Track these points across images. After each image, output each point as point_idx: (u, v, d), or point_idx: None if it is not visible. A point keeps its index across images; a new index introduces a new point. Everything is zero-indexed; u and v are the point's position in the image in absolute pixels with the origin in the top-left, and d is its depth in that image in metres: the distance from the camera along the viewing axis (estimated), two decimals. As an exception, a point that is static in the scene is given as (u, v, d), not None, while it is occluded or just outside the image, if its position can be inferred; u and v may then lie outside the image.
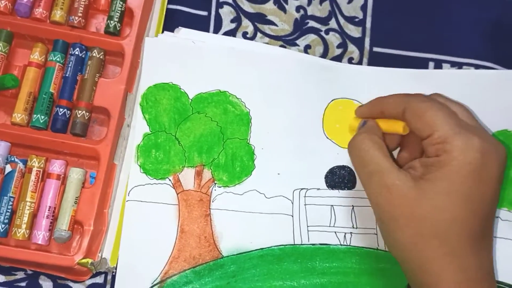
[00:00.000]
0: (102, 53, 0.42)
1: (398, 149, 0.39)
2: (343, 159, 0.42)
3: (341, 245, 0.40)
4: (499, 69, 0.45)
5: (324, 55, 0.45)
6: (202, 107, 0.42)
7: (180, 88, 0.42)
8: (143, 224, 0.39)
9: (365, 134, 0.35)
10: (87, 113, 0.40)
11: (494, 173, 0.32)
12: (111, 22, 0.42)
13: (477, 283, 0.31)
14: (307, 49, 0.45)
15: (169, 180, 0.41)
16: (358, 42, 0.46)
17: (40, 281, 0.39)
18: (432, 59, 0.45)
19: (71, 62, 0.41)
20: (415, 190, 0.32)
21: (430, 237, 0.31)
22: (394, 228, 0.32)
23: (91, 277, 0.39)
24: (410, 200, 0.32)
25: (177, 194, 0.40)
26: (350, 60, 0.45)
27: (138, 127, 0.41)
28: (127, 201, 0.40)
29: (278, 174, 0.42)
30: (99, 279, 0.40)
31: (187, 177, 0.41)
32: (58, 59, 0.41)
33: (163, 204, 0.40)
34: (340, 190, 0.42)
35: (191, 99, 0.42)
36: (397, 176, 0.32)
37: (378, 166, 0.33)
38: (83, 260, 0.37)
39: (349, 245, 0.41)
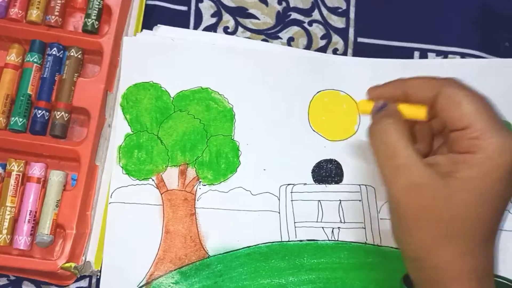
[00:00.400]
0: (80, 52, 0.41)
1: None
2: (330, 152, 0.42)
3: (329, 240, 0.40)
4: (485, 56, 0.44)
5: (308, 47, 0.45)
6: (184, 105, 0.41)
7: (161, 87, 0.42)
8: (127, 226, 0.39)
9: (392, 120, 0.31)
10: (67, 114, 0.40)
11: None
12: (89, 20, 0.41)
13: (483, 280, 0.30)
14: (290, 41, 0.44)
15: (153, 180, 0.40)
16: (342, 33, 0.45)
17: (24, 287, 0.39)
18: (417, 49, 0.45)
19: (48, 63, 0.40)
20: (445, 190, 0.29)
21: (453, 238, 0.29)
22: (417, 228, 0.30)
23: (75, 281, 0.39)
24: (440, 200, 0.29)
25: (161, 194, 0.40)
26: (334, 51, 0.45)
27: (119, 128, 0.41)
28: (109, 203, 0.39)
29: (264, 170, 0.41)
30: (84, 283, 0.39)
31: (171, 176, 0.40)
32: (35, 60, 0.40)
33: (147, 205, 0.40)
34: (327, 185, 0.41)
35: (173, 97, 0.41)
36: (428, 173, 0.29)
37: (408, 160, 0.29)
38: (67, 264, 0.37)
39: (337, 240, 0.40)
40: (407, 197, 0.30)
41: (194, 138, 0.41)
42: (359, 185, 0.41)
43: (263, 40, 0.44)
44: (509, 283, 0.36)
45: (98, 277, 0.39)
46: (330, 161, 0.42)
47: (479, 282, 0.30)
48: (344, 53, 0.45)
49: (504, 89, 0.42)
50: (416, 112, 0.32)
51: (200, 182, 0.40)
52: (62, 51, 0.41)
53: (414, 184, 0.29)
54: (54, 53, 0.40)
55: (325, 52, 0.44)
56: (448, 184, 0.29)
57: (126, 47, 0.42)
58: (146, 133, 0.41)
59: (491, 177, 0.29)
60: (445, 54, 0.44)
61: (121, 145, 0.40)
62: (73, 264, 0.37)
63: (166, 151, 0.41)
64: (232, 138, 0.41)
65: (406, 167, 0.29)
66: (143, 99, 0.41)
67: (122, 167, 0.40)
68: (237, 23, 0.44)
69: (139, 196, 0.40)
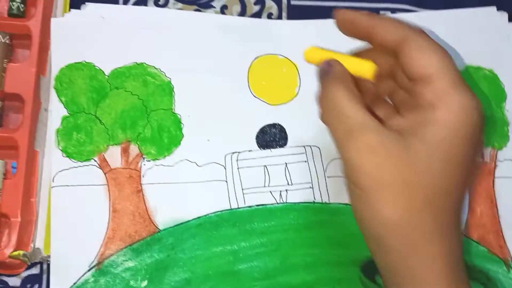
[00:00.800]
0: (8, 37, 0.39)
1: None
2: (273, 117, 0.42)
3: (277, 203, 0.41)
4: (416, 10, 0.44)
5: (242, 13, 0.44)
6: (120, 82, 0.41)
7: (94, 66, 0.41)
8: (73, 208, 0.39)
9: (339, 83, 0.28)
10: (0, 102, 0.39)
11: (482, 134, 0.28)
12: (14, 3, 0.40)
13: (457, 261, 0.28)
14: (223, 9, 0.44)
15: (95, 160, 0.40)
16: (276, -3, 0.45)
17: None
18: (349, 7, 0.44)
19: None
20: (408, 152, 0.26)
21: (424, 210, 0.26)
22: (381, 200, 0.26)
23: (26, 269, 0.39)
24: (402, 163, 0.26)
25: (105, 174, 0.40)
26: (269, 16, 0.44)
27: (55, 111, 0.40)
28: (52, 187, 0.39)
29: (208, 140, 0.41)
30: (35, 270, 0.39)
31: (113, 155, 0.40)
32: None
33: (91, 186, 0.39)
34: (272, 149, 0.41)
35: (108, 75, 0.41)
36: (386, 135, 0.27)
37: (359, 121, 0.27)
38: (15, 253, 0.36)
39: (286, 202, 0.41)
40: (364, 164, 0.27)
41: (133, 115, 0.41)
42: (304, 146, 0.42)
43: (196, 10, 0.44)
44: (480, 273, 0.37)
45: (49, 262, 0.38)
46: (274, 125, 0.42)
47: (454, 264, 0.27)
48: (279, 17, 0.44)
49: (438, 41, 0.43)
50: (361, 68, 0.30)
51: (144, 158, 0.40)
52: None
53: (371, 147, 0.26)
54: None
55: (259, 17, 0.44)
56: (410, 146, 0.26)
57: (55, 28, 0.40)
58: (84, 113, 0.40)
59: (456, 137, 0.26)
60: (376, 11, 0.45)
61: (58, 128, 0.40)
62: (21, 252, 0.37)
63: (106, 130, 0.40)
64: (173, 111, 0.41)
65: (358, 131, 0.27)
66: (77, 80, 0.40)
67: (61, 150, 0.39)
68: (168, -6, 0.44)
69: (82, 177, 0.39)
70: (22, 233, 0.37)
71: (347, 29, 0.31)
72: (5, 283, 0.39)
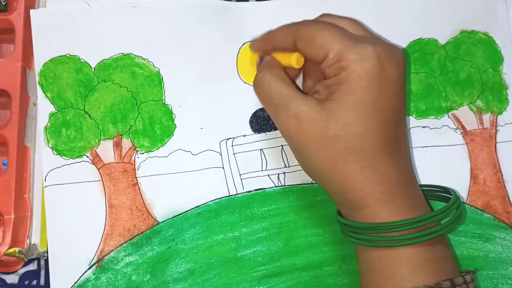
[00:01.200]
0: (-10, 32, 0.39)
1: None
2: (266, 100, 0.41)
3: (276, 186, 0.40)
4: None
5: (230, -4, 0.43)
6: (108, 74, 0.40)
7: (79, 59, 0.40)
8: (68, 207, 0.38)
9: (266, 69, 0.35)
10: (-14, 99, 0.38)
11: (395, 77, 0.32)
12: None
13: (400, 189, 0.32)
14: (210, -7, 0.43)
15: (87, 156, 0.39)
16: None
17: None
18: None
19: None
20: (323, 112, 0.31)
21: (346, 155, 0.31)
22: (310, 154, 0.32)
23: (23, 266, 0.38)
24: (319, 123, 0.31)
25: (98, 169, 0.39)
26: (256, -2, 0.43)
27: (41, 108, 0.39)
28: (45, 187, 0.38)
29: (201, 128, 0.40)
30: (33, 266, 0.39)
31: (106, 150, 0.39)
32: None
33: (85, 183, 0.38)
34: (267, 133, 0.41)
35: (94, 68, 0.40)
36: (303, 103, 0.32)
37: (282, 97, 0.33)
38: (10, 250, 0.36)
39: (284, 185, 0.40)
40: (291, 129, 0.32)
41: (124, 108, 0.40)
42: (299, 127, 0.41)
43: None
44: (437, 189, 0.37)
45: (46, 258, 0.38)
46: (267, 108, 0.41)
47: (395, 192, 0.31)
48: (266, -2, 0.43)
49: (430, 3, 0.42)
50: (287, 60, 0.35)
51: (137, 151, 0.39)
52: None
53: (292, 115, 0.32)
54: None
55: (247, 0, 0.43)
56: (324, 107, 0.31)
57: (35, 21, 0.39)
58: (72, 109, 0.39)
59: (360, 88, 0.31)
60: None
61: (46, 126, 0.39)
62: (17, 249, 0.36)
63: (96, 124, 0.39)
64: (164, 102, 0.40)
65: (282, 104, 0.32)
66: (62, 74, 0.39)
67: (51, 148, 0.38)
68: (152, -20, 0.43)
69: (75, 174, 0.38)
70: (17, 230, 0.37)
71: (261, 52, 0.38)
72: (3, 280, 0.38)
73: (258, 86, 0.35)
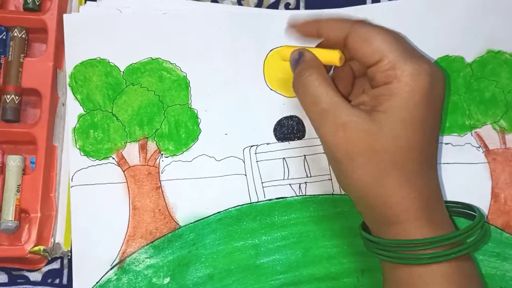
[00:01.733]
0: (24, 31, 0.39)
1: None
2: (290, 109, 0.42)
3: (297, 196, 0.40)
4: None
5: (259, 4, 0.43)
6: (136, 78, 0.40)
7: (109, 62, 0.40)
8: (93, 207, 0.38)
9: (311, 69, 0.32)
10: (17, 97, 0.39)
11: (441, 96, 0.32)
12: None
13: (433, 206, 0.32)
14: (241, 0, 0.43)
15: (113, 158, 0.39)
16: (293, -14, 0.44)
17: None
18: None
19: None
20: (373, 124, 0.30)
21: (391, 169, 0.30)
22: (354, 167, 0.31)
23: (47, 264, 0.39)
24: (368, 135, 0.30)
25: (124, 171, 0.39)
26: (287, 6, 0.44)
27: (71, 109, 0.40)
28: (71, 187, 0.38)
29: (226, 134, 0.41)
30: (56, 265, 0.39)
31: (131, 152, 0.40)
32: None
33: (110, 184, 0.39)
34: (290, 142, 0.41)
35: (123, 72, 0.40)
36: (352, 112, 0.31)
37: (331, 103, 0.31)
38: (35, 248, 0.37)
39: (305, 195, 0.40)
40: (336, 139, 0.31)
41: (150, 111, 0.40)
42: (322, 138, 0.41)
43: (213, 1, 0.43)
44: (460, 206, 0.37)
45: (69, 257, 0.38)
46: (291, 117, 0.42)
47: (429, 210, 0.31)
48: (297, 7, 0.44)
49: (459, 21, 0.42)
50: (330, 57, 0.33)
51: (162, 154, 0.40)
52: (4, 33, 0.39)
53: (340, 124, 0.31)
54: None
55: (277, 8, 0.43)
56: (373, 118, 0.30)
57: (68, 24, 0.40)
58: (100, 111, 0.40)
59: (412, 103, 0.30)
60: (398, -1, 0.44)
61: (75, 127, 0.39)
62: (42, 247, 0.37)
63: (123, 127, 0.40)
64: (190, 106, 0.41)
65: (329, 110, 0.31)
66: (92, 77, 0.40)
67: (79, 148, 0.39)
68: (185, -14, 0.43)
69: (101, 176, 0.39)
70: (42, 228, 0.38)
71: (302, 32, 0.35)
72: (26, 278, 0.39)
73: (302, 87, 0.33)
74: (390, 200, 0.31)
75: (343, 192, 0.41)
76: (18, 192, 0.37)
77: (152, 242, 0.38)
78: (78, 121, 0.39)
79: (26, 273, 0.39)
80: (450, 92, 0.42)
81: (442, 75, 0.33)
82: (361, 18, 0.35)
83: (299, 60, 0.34)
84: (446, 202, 0.37)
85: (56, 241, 0.38)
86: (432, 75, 0.31)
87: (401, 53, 0.31)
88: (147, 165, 0.40)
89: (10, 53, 0.39)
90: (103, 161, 0.39)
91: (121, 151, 0.39)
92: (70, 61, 0.40)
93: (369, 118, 0.31)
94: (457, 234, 0.31)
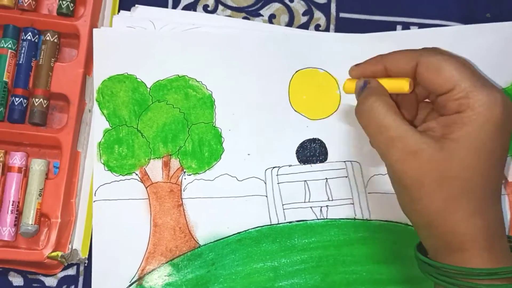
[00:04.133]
0: (56, 36, 0.40)
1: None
2: (313, 132, 0.42)
3: (318, 219, 0.40)
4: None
5: (289, 23, 0.44)
6: (162, 95, 0.41)
7: (136, 78, 0.41)
8: (114, 223, 0.39)
9: (376, 96, 0.32)
10: (45, 101, 0.39)
11: (511, 126, 0.31)
12: (64, 2, 0.40)
13: (498, 237, 0.31)
14: (271, 19, 0.44)
15: (136, 174, 0.39)
16: (324, 8, 0.44)
17: (10, 278, 0.39)
18: (399, 22, 0.44)
19: (23, 48, 0.39)
20: (443, 152, 0.30)
21: (460, 198, 0.30)
22: (423, 195, 0.30)
23: (62, 270, 0.39)
24: (439, 163, 0.30)
25: (146, 187, 0.39)
26: (317, 28, 0.44)
27: (96, 124, 0.40)
28: (94, 201, 0.39)
29: (248, 154, 0.41)
30: (71, 271, 0.39)
31: (155, 169, 0.40)
32: (9, 46, 0.39)
33: (132, 200, 0.39)
34: (312, 164, 0.41)
35: (150, 88, 0.41)
36: (422, 140, 0.30)
37: (399, 130, 0.31)
38: (53, 254, 0.37)
39: (326, 218, 0.40)
40: (405, 166, 0.30)
41: (175, 128, 0.40)
42: (344, 161, 0.41)
43: (244, 18, 0.43)
44: None
45: (85, 264, 0.39)
46: (314, 140, 0.41)
47: (493, 241, 0.31)
48: (327, 29, 0.44)
49: (483, 53, 0.42)
50: (399, 85, 0.33)
51: (184, 172, 0.40)
52: (37, 36, 0.40)
53: (410, 152, 0.30)
54: (29, 38, 0.39)
55: (307, 29, 0.44)
56: (443, 147, 0.30)
57: (97, 39, 0.40)
58: (125, 126, 0.40)
59: (484, 132, 0.30)
60: (427, 27, 0.44)
61: (100, 142, 0.40)
62: (60, 253, 0.37)
63: (148, 143, 0.40)
64: (214, 125, 0.41)
65: (398, 138, 0.30)
66: (119, 92, 0.40)
67: (103, 163, 0.39)
68: (217, 1, 0.43)
69: (124, 191, 0.39)
70: (61, 234, 0.38)
71: (368, 77, 0.35)
72: (42, 282, 0.39)
73: (367, 114, 0.32)
74: (458, 228, 0.30)
75: (365, 217, 0.40)
76: (40, 196, 0.37)
77: (171, 260, 0.38)
78: (103, 135, 0.40)
79: (42, 278, 0.39)
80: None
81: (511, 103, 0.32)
82: (430, 46, 0.34)
83: (363, 87, 0.34)
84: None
85: (73, 247, 0.38)
86: (504, 104, 0.30)
87: (473, 82, 0.30)
88: (170, 182, 0.40)
89: (41, 57, 0.39)
90: (126, 177, 0.39)
91: (145, 167, 0.40)
92: (98, 76, 0.40)
93: (439, 146, 0.30)
94: None
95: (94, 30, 0.40)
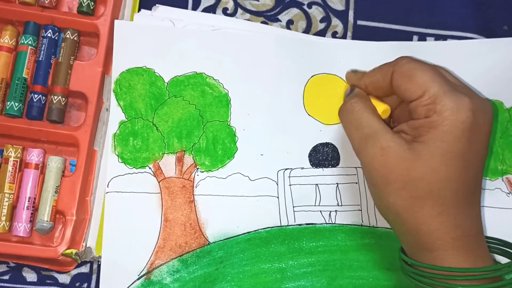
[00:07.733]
0: (76, 34, 0.40)
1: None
2: (326, 136, 0.42)
3: (326, 223, 0.40)
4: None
5: (307, 30, 0.44)
6: (179, 90, 0.41)
7: (154, 72, 0.40)
8: (125, 215, 0.38)
9: (357, 98, 0.35)
10: (63, 98, 0.39)
11: (485, 130, 0.32)
12: (84, 0, 0.40)
13: (471, 238, 0.32)
14: (289, 24, 0.44)
15: (149, 168, 0.39)
16: (342, 16, 0.44)
17: (24, 273, 0.38)
18: (416, 33, 0.44)
19: (43, 45, 0.39)
20: (411, 152, 0.31)
21: (425, 198, 0.31)
22: (389, 192, 0.32)
23: (76, 267, 0.39)
24: (406, 162, 0.31)
25: (159, 182, 0.39)
26: (334, 35, 0.44)
27: (112, 115, 0.40)
28: (106, 192, 0.38)
29: (261, 155, 0.41)
30: (85, 269, 0.39)
31: (168, 164, 0.40)
32: (30, 42, 0.39)
33: (144, 194, 0.39)
34: (324, 168, 0.41)
35: (167, 83, 0.41)
36: (392, 139, 0.32)
37: (372, 128, 0.33)
38: (67, 251, 0.37)
39: (334, 223, 0.40)
40: (376, 162, 0.32)
41: (190, 124, 0.40)
42: (356, 167, 0.42)
43: (263, 22, 0.43)
44: (499, 243, 0.37)
45: (99, 262, 0.38)
46: (326, 144, 0.42)
47: (467, 241, 0.31)
48: (344, 36, 0.44)
49: (500, 68, 0.43)
50: (381, 111, 0.35)
51: (197, 168, 0.40)
52: (57, 33, 0.39)
53: (381, 148, 0.32)
54: (49, 35, 0.39)
55: (324, 35, 0.44)
56: (412, 148, 0.31)
57: (118, 31, 0.40)
58: (141, 120, 0.40)
59: (451, 136, 0.31)
60: (444, 38, 0.44)
61: (115, 133, 0.39)
62: (74, 251, 0.37)
63: (162, 138, 0.40)
64: (228, 123, 0.41)
65: (371, 135, 0.32)
66: (136, 85, 0.40)
67: (117, 155, 0.39)
68: (237, 5, 0.43)
69: (137, 184, 0.39)
70: (75, 232, 0.37)
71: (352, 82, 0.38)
72: (55, 279, 0.38)
73: (347, 113, 0.34)
74: (423, 227, 0.31)
75: (372, 224, 0.41)
76: (56, 193, 0.37)
77: (180, 256, 0.38)
78: (119, 127, 0.39)
79: (55, 274, 0.39)
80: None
81: (489, 108, 0.33)
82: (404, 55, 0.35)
83: (349, 92, 0.37)
84: (486, 237, 0.37)
85: (87, 245, 0.38)
86: (474, 109, 0.31)
87: (442, 88, 0.31)
88: (182, 178, 0.40)
89: (60, 54, 0.39)
90: (139, 170, 0.39)
91: (158, 161, 0.40)
92: (117, 68, 0.40)
93: (408, 146, 0.31)
94: (498, 267, 0.31)
95: (116, 21, 0.40)
